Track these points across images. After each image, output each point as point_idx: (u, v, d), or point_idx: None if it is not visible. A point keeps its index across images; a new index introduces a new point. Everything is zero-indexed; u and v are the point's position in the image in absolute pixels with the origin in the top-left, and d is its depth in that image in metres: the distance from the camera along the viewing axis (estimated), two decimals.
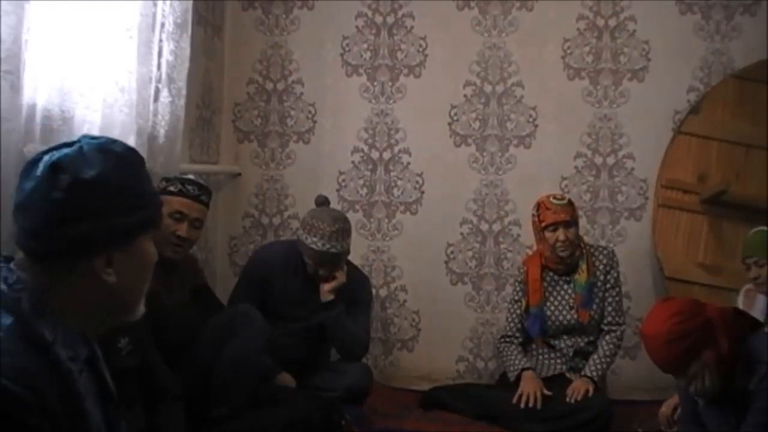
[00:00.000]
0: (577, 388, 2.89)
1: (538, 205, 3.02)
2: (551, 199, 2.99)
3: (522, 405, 2.85)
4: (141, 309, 1.28)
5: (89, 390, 1.20)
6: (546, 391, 2.88)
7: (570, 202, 3.01)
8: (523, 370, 2.99)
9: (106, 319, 1.25)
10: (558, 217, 2.94)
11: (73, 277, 1.17)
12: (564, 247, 2.96)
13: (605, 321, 3.04)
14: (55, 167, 1.16)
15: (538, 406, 2.85)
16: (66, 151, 1.19)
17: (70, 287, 1.18)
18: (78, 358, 1.18)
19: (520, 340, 3.11)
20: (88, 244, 1.16)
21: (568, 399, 2.87)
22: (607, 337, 3.02)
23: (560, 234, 2.94)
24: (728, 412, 2.12)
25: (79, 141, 1.22)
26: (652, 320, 2.08)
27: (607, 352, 3.00)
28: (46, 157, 1.18)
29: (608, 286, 3.05)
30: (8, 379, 1.02)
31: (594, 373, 2.94)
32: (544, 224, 2.97)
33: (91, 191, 1.16)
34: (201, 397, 2.36)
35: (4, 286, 1.15)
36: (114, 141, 1.25)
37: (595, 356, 2.99)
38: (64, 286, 1.17)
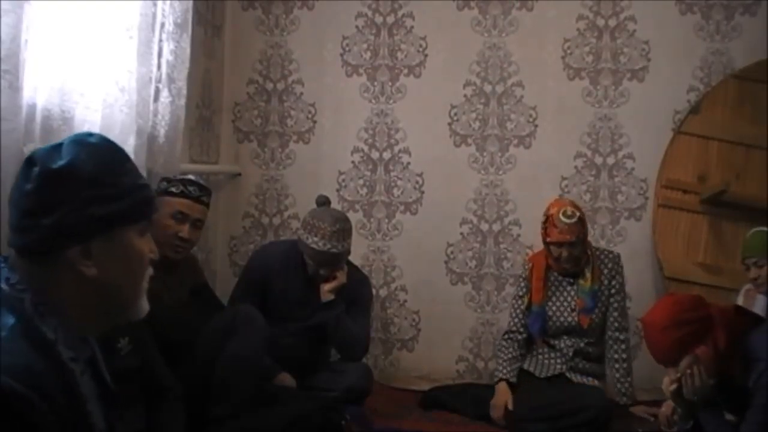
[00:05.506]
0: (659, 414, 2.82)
1: (547, 218, 2.98)
2: (561, 215, 2.92)
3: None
4: (143, 306, 1.26)
5: (91, 391, 1.19)
6: (509, 406, 2.92)
7: (580, 219, 2.93)
8: (500, 380, 3.03)
9: (103, 317, 1.23)
10: (563, 237, 2.91)
11: (56, 271, 1.16)
12: (567, 262, 2.97)
13: (611, 326, 3.04)
14: (29, 161, 1.17)
15: (500, 422, 2.90)
16: (47, 146, 1.20)
17: (56, 283, 1.16)
18: (79, 359, 1.18)
19: (524, 335, 3.12)
20: (60, 235, 1.15)
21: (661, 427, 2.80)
22: (616, 347, 3.03)
23: (564, 252, 2.94)
24: (725, 416, 2.13)
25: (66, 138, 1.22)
26: (654, 309, 2.16)
27: (624, 364, 3.02)
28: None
29: (613, 291, 3.05)
30: (12, 378, 1.01)
31: (626, 389, 3.00)
32: (548, 240, 2.97)
33: (60, 181, 1.15)
34: (201, 397, 2.36)
35: (4, 286, 1.15)
36: (92, 134, 1.24)
37: (617, 375, 3.01)
38: (51, 282, 1.16)
